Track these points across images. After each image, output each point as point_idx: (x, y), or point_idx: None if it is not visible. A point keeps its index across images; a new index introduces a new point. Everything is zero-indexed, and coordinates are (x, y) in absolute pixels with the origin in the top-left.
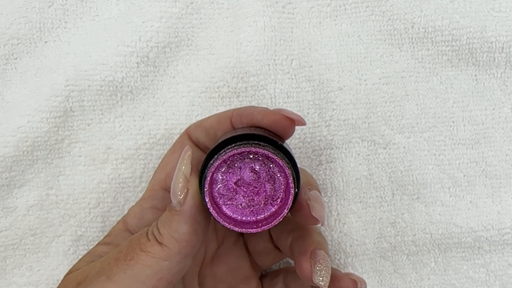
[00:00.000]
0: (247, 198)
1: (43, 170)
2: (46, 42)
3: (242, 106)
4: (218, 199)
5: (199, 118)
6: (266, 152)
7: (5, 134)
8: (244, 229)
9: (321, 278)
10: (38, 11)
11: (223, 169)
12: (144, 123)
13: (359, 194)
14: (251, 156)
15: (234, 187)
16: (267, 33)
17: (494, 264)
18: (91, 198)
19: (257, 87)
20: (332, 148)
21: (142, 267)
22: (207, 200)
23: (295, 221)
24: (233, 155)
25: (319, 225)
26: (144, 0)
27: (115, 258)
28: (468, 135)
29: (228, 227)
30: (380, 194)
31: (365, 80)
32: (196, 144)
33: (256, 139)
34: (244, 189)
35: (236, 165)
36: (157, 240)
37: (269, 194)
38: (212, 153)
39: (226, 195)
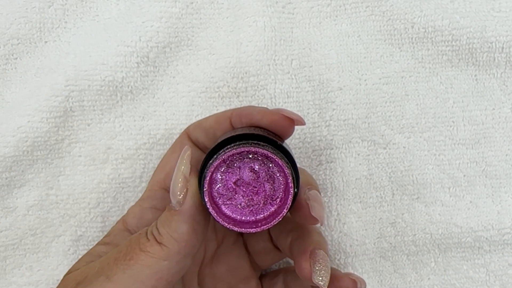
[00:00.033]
0: (247, 198)
1: (43, 170)
2: (46, 42)
3: (242, 106)
4: (218, 199)
5: (199, 118)
6: (265, 152)
7: (5, 134)
8: (243, 229)
9: (320, 278)
10: (38, 11)
11: (223, 169)
12: (144, 123)
13: (359, 194)
14: (250, 156)
15: (234, 187)
16: (267, 33)
17: (494, 264)
18: (91, 198)
19: (257, 87)
20: (332, 148)
21: (142, 267)
22: (206, 200)
23: (295, 221)
24: (233, 155)
25: (318, 225)
26: (144, 0)
27: (115, 258)
28: (468, 135)
29: (228, 227)
30: (380, 194)
31: (365, 80)
32: (196, 144)
33: (255, 139)
34: (244, 189)
35: (235, 165)
36: (156, 240)
37: (268, 194)
38: (212, 153)
39: (225, 195)
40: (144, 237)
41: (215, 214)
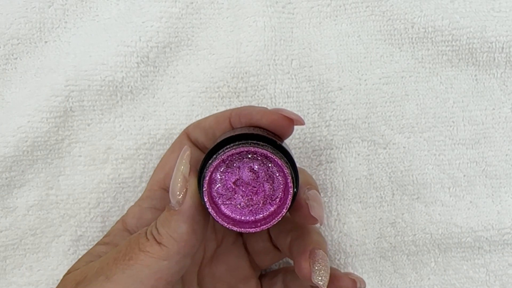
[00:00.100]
0: (246, 198)
1: (43, 170)
2: (46, 42)
3: (241, 106)
4: (217, 198)
5: (199, 118)
6: (265, 151)
7: (5, 134)
8: (243, 229)
9: (320, 278)
10: (38, 11)
11: (222, 168)
12: (144, 123)
13: (359, 194)
14: (249, 156)
15: (233, 186)
16: (267, 33)
17: (494, 264)
18: (91, 198)
19: (257, 87)
20: (332, 148)
21: (141, 267)
22: (206, 199)
23: (294, 220)
24: (232, 154)
25: (318, 224)
26: (144, 0)
27: (114, 258)
28: (468, 135)
29: (227, 226)
30: (380, 194)
31: (365, 80)
32: (195, 144)
33: (255, 139)
34: (243, 189)
35: (235, 164)
36: (156, 240)
37: (268, 194)
38: (211, 153)
39: (225, 194)
40: (143, 237)
41: (215, 214)
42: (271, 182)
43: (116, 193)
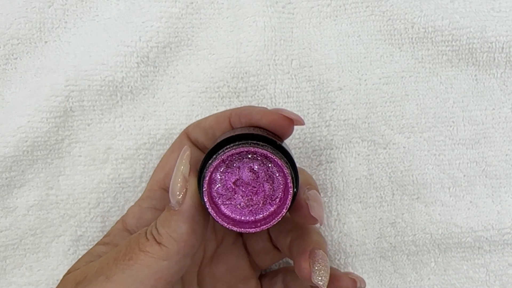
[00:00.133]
0: (246, 198)
1: (43, 170)
2: (46, 42)
3: (241, 106)
4: (217, 199)
5: (199, 118)
6: (264, 151)
7: (5, 134)
8: (243, 229)
9: (320, 278)
10: (38, 11)
11: (222, 169)
12: (144, 123)
13: (359, 194)
14: (249, 156)
15: (233, 186)
16: (267, 33)
17: (494, 264)
18: (91, 198)
19: (257, 87)
20: (332, 148)
21: (141, 267)
22: (205, 200)
23: (294, 221)
24: (232, 154)
25: (318, 224)
26: (144, 0)
27: (114, 258)
28: (468, 135)
29: (227, 226)
30: (380, 194)
31: (365, 80)
32: (195, 144)
33: (254, 139)
34: (243, 189)
35: (234, 165)
36: (156, 240)
37: (267, 194)
38: (211, 153)
39: (224, 195)
40: (143, 237)
41: (215, 214)
42: (271, 182)
43: (116, 193)
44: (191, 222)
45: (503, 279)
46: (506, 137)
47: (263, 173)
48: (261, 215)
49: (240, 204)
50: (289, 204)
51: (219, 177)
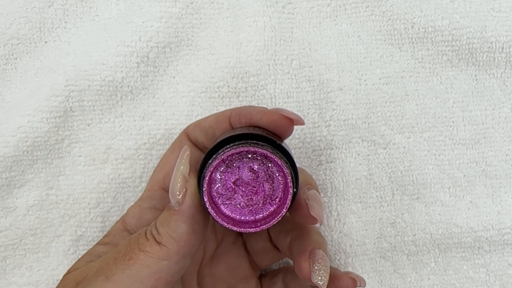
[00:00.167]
0: (246, 198)
1: (43, 170)
2: (46, 42)
3: (241, 106)
4: (217, 198)
5: (199, 118)
6: (264, 151)
7: (5, 134)
8: (242, 229)
9: (319, 278)
10: (38, 11)
11: (222, 168)
12: (144, 123)
13: (359, 194)
14: (249, 156)
15: (233, 186)
16: (267, 33)
17: (494, 264)
18: (91, 198)
19: (257, 87)
20: (332, 148)
21: (141, 267)
22: (205, 199)
23: (294, 220)
24: (232, 154)
25: (318, 224)
26: (144, 0)
27: (114, 258)
28: (468, 135)
29: (227, 226)
30: (380, 194)
31: (365, 80)
32: (195, 144)
33: (254, 139)
34: (243, 189)
35: (234, 164)
36: (155, 239)
37: (267, 194)
38: (211, 153)
39: (224, 194)
40: (143, 237)
41: (214, 214)
42: (271, 182)
43: (116, 193)
44: (191, 222)
45: (503, 279)
46: (506, 137)
47: (263, 173)
48: (261, 215)
49: (240, 204)
50: (289, 204)
51: (219, 177)
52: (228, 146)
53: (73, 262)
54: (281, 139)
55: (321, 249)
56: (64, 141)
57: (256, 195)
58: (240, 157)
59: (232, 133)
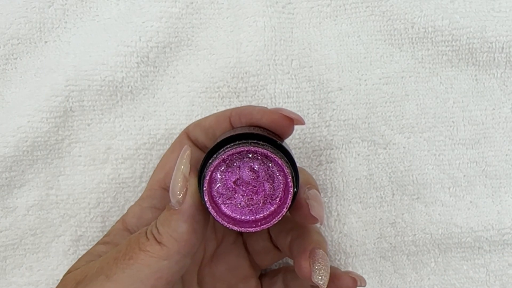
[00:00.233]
0: (246, 197)
1: (43, 170)
2: (46, 42)
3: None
4: (217, 198)
5: (199, 118)
6: (265, 151)
7: (5, 134)
8: (243, 228)
9: (320, 277)
10: (38, 11)
11: (222, 168)
12: (144, 123)
13: (359, 195)
14: (250, 155)
15: (233, 186)
16: (267, 33)
17: (494, 264)
18: (91, 198)
19: (257, 87)
20: (332, 148)
21: (141, 267)
22: (206, 199)
23: (294, 220)
24: (232, 154)
25: (318, 224)
26: (144, 0)
27: (114, 258)
28: (468, 135)
29: (227, 226)
30: (380, 194)
31: (365, 80)
32: (195, 144)
33: (255, 138)
34: (243, 188)
35: (235, 164)
36: (156, 239)
37: (268, 193)
38: (211, 152)
39: (225, 194)
40: (143, 236)
41: (215, 214)
42: (271, 181)
43: (116, 193)
44: (192, 222)
45: (503, 279)
46: (506, 137)
47: (263, 173)
48: (261, 215)
49: (240, 204)
50: (289, 204)
51: (220, 177)
52: (228, 146)
53: (73, 262)
54: (282, 138)
55: (321, 249)
56: (64, 141)
57: (256, 195)
58: (240, 156)
59: (233, 133)
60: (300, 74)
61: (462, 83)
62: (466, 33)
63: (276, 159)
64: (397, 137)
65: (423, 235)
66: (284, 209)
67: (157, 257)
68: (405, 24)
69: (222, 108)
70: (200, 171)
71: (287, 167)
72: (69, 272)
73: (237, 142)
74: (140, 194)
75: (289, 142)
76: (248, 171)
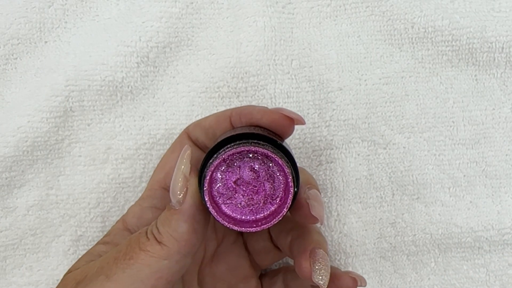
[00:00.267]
0: (247, 197)
1: (43, 170)
2: (46, 42)
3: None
4: (218, 198)
5: (199, 118)
6: (265, 151)
7: (5, 134)
8: (243, 228)
9: (320, 277)
10: (38, 11)
11: (223, 168)
12: (144, 123)
13: (359, 195)
14: (250, 155)
15: (234, 186)
16: (267, 33)
17: (494, 264)
18: (91, 198)
19: (257, 87)
20: (332, 148)
21: (142, 266)
22: (206, 199)
23: (295, 220)
24: (233, 154)
25: (318, 224)
26: (144, 0)
27: (114, 258)
28: (468, 135)
29: (228, 226)
30: (380, 194)
31: (365, 80)
32: (195, 144)
33: (255, 138)
34: (244, 188)
35: (235, 164)
36: (156, 239)
37: (268, 193)
38: (212, 152)
39: (225, 194)
40: (144, 236)
41: (215, 213)
42: (271, 181)
43: (116, 193)
44: (192, 222)
45: (503, 279)
46: (506, 137)
47: (263, 173)
48: (261, 214)
49: (240, 204)
50: (290, 204)
51: (220, 177)
52: (229, 146)
53: (73, 262)
54: (282, 138)
55: (321, 249)
56: (64, 141)
57: (257, 195)
58: (241, 156)
59: (233, 133)
60: (300, 74)
61: (462, 83)
62: (466, 33)
63: (276, 159)
64: (397, 137)
65: (423, 235)
66: (285, 209)
67: (157, 257)
68: (405, 24)
69: (222, 108)
70: (201, 171)
71: (288, 167)
72: (69, 272)
73: (237, 142)
74: (140, 194)
75: (289, 142)
76: (249, 171)
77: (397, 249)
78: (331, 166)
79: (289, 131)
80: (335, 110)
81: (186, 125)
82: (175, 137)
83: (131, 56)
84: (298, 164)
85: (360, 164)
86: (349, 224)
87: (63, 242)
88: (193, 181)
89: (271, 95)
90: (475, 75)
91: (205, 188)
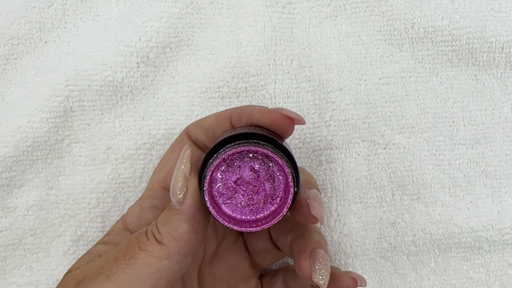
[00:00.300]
0: (247, 197)
1: (43, 170)
2: (46, 42)
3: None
4: (218, 198)
5: (199, 118)
6: (265, 151)
7: (5, 134)
8: (243, 228)
9: (320, 277)
10: (38, 11)
11: (223, 168)
12: (144, 123)
13: (359, 195)
14: (250, 155)
15: (234, 186)
16: (267, 33)
17: (494, 264)
18: (91, 198)
19: (257, 87)
20: (332, 149)
21: (141, 266)
22: (206, 199)
23: (295, 220)
24: (233, 154)
25: (318, 224)
26: (144, 0)
27: (114, 258)
28: (468, 135)
29: (228, 226)
30: (380, 194)
31: (365, 80)
32: (195, 143)
33: (255, 138)
34: (244, 188)
35: (235, 164)
36: (156, 239)
37: (268, 193)
38: (212, 152)
39: (225, 194)
40: (144, 236)
41: (215, 213)
42: (271, 181)
43: (116, 193)
44: (192, 221)
45: (503, 279)
46: (506, 137)
47: (263, 172)
48: (261, 214)
49: (241, 203)
50: (290, 203)
51: (220, 176)
52: (229, 146)
53: (73, 262)
54: (282, 138)
55: (321, 249)
56: (64, 141)
57: (257, 195)
58: (241, 156)
59: (233, 133)
60: (300, 74)
61: (462, 83)
62: (466, 33)
63: (276, 158)
64: (397, 137)
65: (423, 235)
66: (285, 209)
67: (157, 256)
68: (405, 24)
69: (222, 108)
70: (201, 171)
71: (288, 166)
72: (69, 272)
73: (237, 142)
74: (140, 194)
75: (289, 142)
76: (249, 171)
77: (397, 249)
78: (331, 166)
79: (289, 131)
80: (335, 110)
81: (186, 125)
82: (175, 137)
83: (131, 56)
84: (298, 164)
85: (360, 164)
86: (349, 224)
87: (63, 242)
88: (193, 181)
89: (271, 95)
90: (475, 75)
91: (205, 188)
